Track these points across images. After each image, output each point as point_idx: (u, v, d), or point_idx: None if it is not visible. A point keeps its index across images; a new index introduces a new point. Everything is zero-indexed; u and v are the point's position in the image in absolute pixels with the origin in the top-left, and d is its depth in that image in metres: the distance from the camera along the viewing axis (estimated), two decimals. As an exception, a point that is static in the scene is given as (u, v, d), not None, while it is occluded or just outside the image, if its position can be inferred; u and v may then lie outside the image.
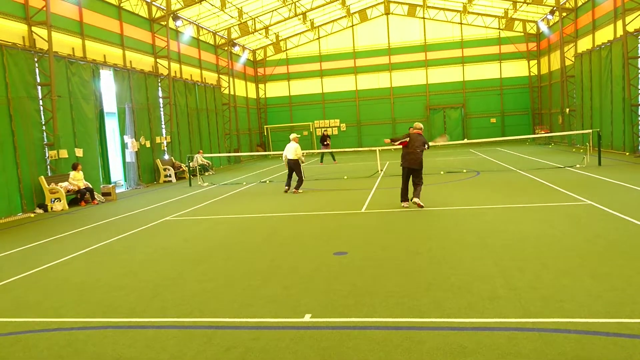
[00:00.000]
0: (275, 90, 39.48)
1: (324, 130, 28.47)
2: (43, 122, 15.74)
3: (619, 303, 4.96)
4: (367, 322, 4.91)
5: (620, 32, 21.22)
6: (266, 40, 36.98)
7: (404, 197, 11.31)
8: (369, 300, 5.52)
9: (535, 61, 35.98)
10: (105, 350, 4.62)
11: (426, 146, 11.14)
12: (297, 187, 15.15)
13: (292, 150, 15.02)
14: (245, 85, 36.89)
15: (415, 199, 11.02)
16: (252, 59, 38.41)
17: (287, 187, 15.41)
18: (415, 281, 6.07)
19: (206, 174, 24.31)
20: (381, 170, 20.05)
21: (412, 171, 11.02)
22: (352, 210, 11.49)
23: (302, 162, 15.26)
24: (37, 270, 7.76)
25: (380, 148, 21.67)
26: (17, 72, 14.66)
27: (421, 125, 11.42)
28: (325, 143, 26.63)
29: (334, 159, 27.27)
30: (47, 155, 15.82)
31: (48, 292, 6.63)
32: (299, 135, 16.07)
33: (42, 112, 15.72)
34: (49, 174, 15.68)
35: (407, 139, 11.10)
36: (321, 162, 26.99)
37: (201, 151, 25.70)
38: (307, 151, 35.05)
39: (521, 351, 4.07)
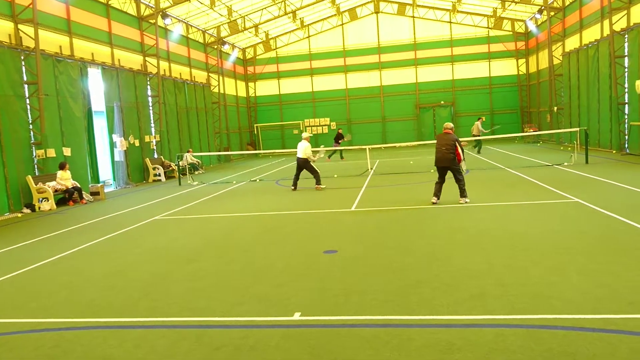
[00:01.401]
0: (265, 88, 39.39)
1: (339, 129, 28.79)
2: (30, 121, 15.57)
3: (605, 299, 5.02)
4: (356, 320, 4.93)
5: (607, 31, 21.45)
6: (256, 39, 36.87)
7: (435, 194, 11.29)
8: (358, 298, 5.54)
9: (524, 60, 36.23)
10: (94, 351, 4.59)
11: (457, 145, 11.16)
12: (318, 183, 15.07)
13: (302, 149, 15.01)
14: (235, 83, 36.77)
15: (460, 199, 11.20)
16: (241, 58, 38.29)
17: (293, 187, 15.32)
18: (404, 279, 6.10)
19: (196, 172, 24.20)
20: (371, 168, 20.10)
21: (441, 169, 11.20)
22: (342, 209, 11.51)
23: (313, 161, 15.16)
24: (25, 271, 7.68)
25: (370, 147, 21.71)
26: (4, 70, 14.48)
27: (451, 125, 11.50)
28: (339, 141, 26.72)
29: (341, 157, 28.21)
30: (34, 154, 15.66)
31: (36, 292, 6.57)
32: (311, 135, 16.01)
33: (29, 110, 15.55)
34: (37, 174, 15.53)
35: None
36: (342, 157, 27.85)
37: (190, 150, 25.58)
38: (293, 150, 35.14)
39: (509, 347, 4.10)
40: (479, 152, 25.49)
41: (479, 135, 24.85)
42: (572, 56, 25.83)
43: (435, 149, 11.32)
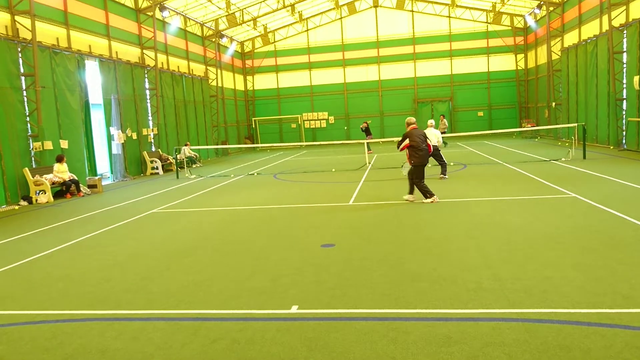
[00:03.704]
0: (263, 82, 39.31)
1: (365, 121, 28.84)
2: (27, 113, 15.51)
3: (600, 293, 5.05)
4: (353, 314, 4.95)
5: (605, 27, 21.44)
6: (254, 32, 36.74)
7: (430, 192, 10.86)
8: (355, 291, 5.56)
9: (523, 55, 36.22)
10: (91, 343, 4.60)
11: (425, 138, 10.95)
12: (443, 173, 14.62)
13: (432, 136, 14.35)
14: (233, 77, 36.67)
15: (409, 196, 11.04)
16: (240, 51, 38.16)
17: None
18: (401, 273, 6.12)
19: (193, 166, 24.18)
20: (369, 163, 20.10)
21: (424, 166, 10.89)
22: (339, 203, 11.52)
23: (441, 147, 14.80)
24: (22, 263, 7.68)
25: (367, 141, 21.70)
26: (0, 62, 14.40)
27: (414, 119, 11.29)
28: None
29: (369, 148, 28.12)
30: (31, 146, 15.61)
31: (32, 284, 6.58)
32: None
33: (26, 103, 15.49)
34: (34, 166, 15.49)
35: (408, 138, 10.84)
36: (370, 150, 27.60)
37: (188, 143, 25.53)
38: (296, 143, 35.17)
39: (504, 341, 4.13)
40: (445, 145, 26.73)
41: (445, 132, 26.12)
42: (571, 52, 25.82)
43: (414, 148, 10.74)
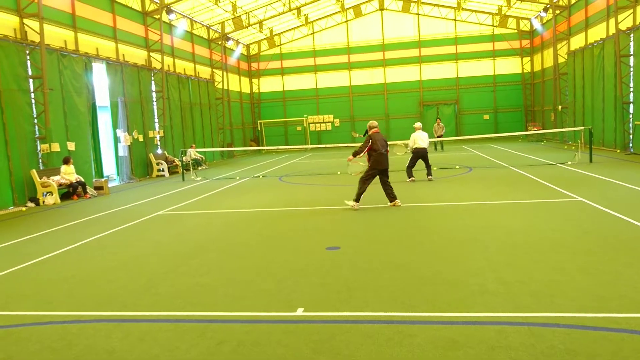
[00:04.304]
0: (269, 85, 39.39)
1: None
2: (35, 115, 15.63)
3: (607, 298, 5.02)
4: (358, 316, 4.95)
5: (612, 30, 21.35)
6: (260, 35, 36.84)
7: (359, 198, 10.93)
8: (360, 294, 5.56)
9: (529, 58, 36.12)
10: (98, 343, 4.63)
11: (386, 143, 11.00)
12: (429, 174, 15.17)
13: (423, 138, 14.99)
14: (239, 79, 36.78)
15: (397, 201, 11.02)
16: (245, 54, 38.28)
17: (414, 178, 15.10)
18: (407, 276, 6.11)
19: (199, 168, 24.25)
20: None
21: (383, 172, 10.93)
22: (345, 206, 11.51)
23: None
24: (29, 264, 7.73)
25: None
26: (8, 65, 14.53)
27: (377, 123, 11.31)
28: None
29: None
30: (38, 148, 15.71)
31: (40, 285, 6.62)
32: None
33: (33, 105, 15.60)
34: (41, 168, 15.59)
35: (370, 142, 10.78)
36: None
37: (194, 145, 25.61)
38: (301, 146, 35.19)
39: (511, 344, 4.12)
40: (442, 148, 27.81)
41: (441, 136, 26.59)
42: (577, 55, 25.74)
43: (377, 153, 10.76)
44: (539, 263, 6.32)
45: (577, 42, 26.72)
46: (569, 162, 17.43)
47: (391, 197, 11.05)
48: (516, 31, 36.13)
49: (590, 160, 17.18)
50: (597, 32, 23.73)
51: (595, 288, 5.32)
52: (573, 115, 26.66)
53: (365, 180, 10.92)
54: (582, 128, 20.45)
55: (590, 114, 24.19)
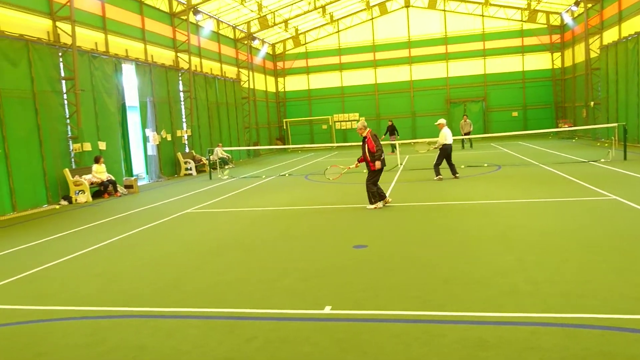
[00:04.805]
0: (294, 84, 39.49)
1: (390, 121, 28.80)
2: (67, 116, 16.03)
3: (643, 299, 4.86)
4: (386, 315, 4.91)
5: (647, 23, 20.67)
6: (285, 34, 36.96)
7: (377, 198, 10.89)
8: (387, 293, 5.52)
9: (559, 53, 35.28)
10: (129, 339, 4.71)
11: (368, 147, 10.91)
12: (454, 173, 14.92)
13: (447, 135, 14.75)
14: (264, 79, 36.99)
15: (379, 203, 10.93)
16: (271, 53, 38.46)
17: (441, 177, 14.83)
18: (434, 275, 6.04)
19: (226, 167, 24.49)
20: (401, 164, 19.94)
21: (382, 171, 10.97)
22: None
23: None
24: (62, 261, 7.93)
25: (399, 142, 21.53)
26: (42, 67, 14.93)
27: (366, 124, 11.17)
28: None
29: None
30: (71, 148, 16.12)
31: (72, 281, 6.78)
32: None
33: (66, 106, 16.01)
34: (73, 167, 15.98)
35: (374, 142, 10.77)
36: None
37: (221, 144, 25.87)
38: (327, 144, 35.18)
39: (543, 346, 4.02)
40: (471, 146, 27.46)
41: (469, 133, 26.21)
42: (611, 49, 25.01)
43: (380, 152, 10.80)
44: (570, 263, 6.16)
45: (610, 36, 25.96)
46: (602, 160, 16.95)
47: (375, 198, 10.87)
48: (546, 26, 35.33)
49: (625, 158, 16.68)
50: (632, 25, 23.00)
51: (630, 289, 5.15)
52: (606, 112, 25.92)
53: (374, 184, 10.88)
54: (616, 124, 19.86)
55: (624, 109, 23.48)
